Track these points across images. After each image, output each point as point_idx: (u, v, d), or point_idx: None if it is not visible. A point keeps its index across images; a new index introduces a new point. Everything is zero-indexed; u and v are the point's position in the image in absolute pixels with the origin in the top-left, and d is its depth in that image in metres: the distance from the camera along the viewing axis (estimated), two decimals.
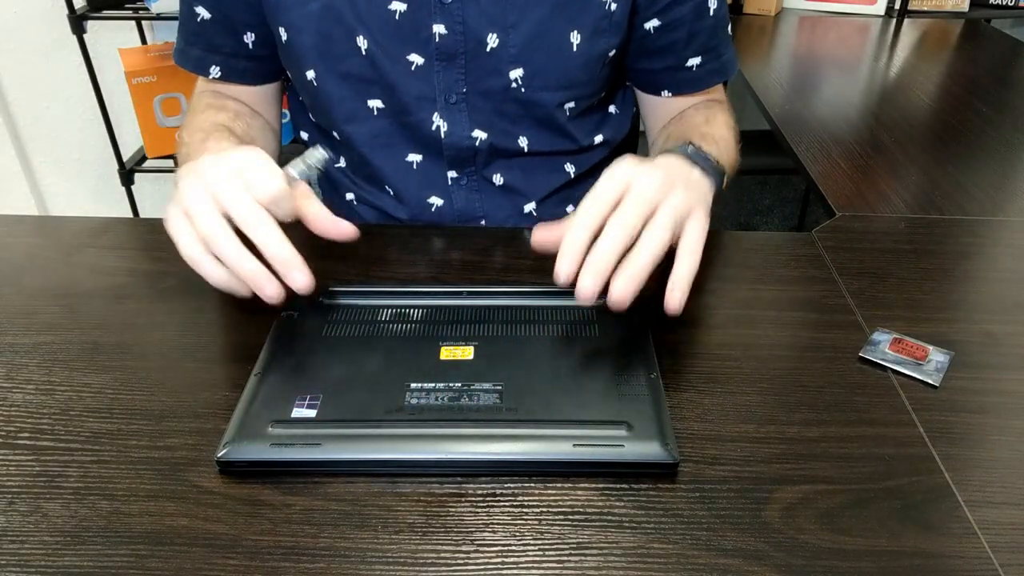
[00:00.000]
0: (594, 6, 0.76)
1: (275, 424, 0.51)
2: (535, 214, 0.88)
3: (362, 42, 0.75)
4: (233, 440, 0.50)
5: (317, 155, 0.62)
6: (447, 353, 0.58)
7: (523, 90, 0.78)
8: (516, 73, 0.77)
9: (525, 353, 0.58)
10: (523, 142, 0.82)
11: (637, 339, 0.60)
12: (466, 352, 0.58)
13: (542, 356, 0.58)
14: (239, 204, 0.54)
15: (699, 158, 0.65)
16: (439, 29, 0.75)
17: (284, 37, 0.78)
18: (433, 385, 0.55)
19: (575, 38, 0.76)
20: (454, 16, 0.74)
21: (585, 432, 0.51)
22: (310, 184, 0.61)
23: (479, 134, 0.81)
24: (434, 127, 0.80)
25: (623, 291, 0.53)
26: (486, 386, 0.55)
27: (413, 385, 0.55)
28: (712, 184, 0.65)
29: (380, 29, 0.75)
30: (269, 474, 0.50)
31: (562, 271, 0.54)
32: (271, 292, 0.53)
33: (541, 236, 0.58)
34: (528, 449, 0.50)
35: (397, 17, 0.74)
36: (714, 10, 0.80)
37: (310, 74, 0.79)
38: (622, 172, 0.57)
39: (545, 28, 0.75)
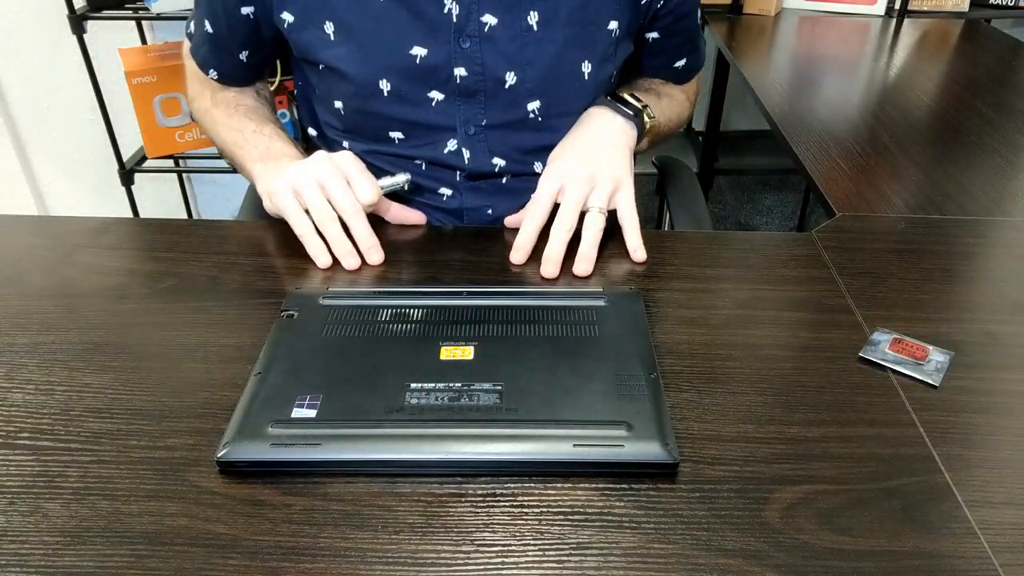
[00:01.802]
0: (601, 36, 0.79)
1: (275, 424, 0.51)
2: None
3: (384, 85, 0.78)
4: (233, 440, 0.50)
5: (404, 178, 0.81)
6: (447, 353, 0.58)
7: (540, 119, 0.81)
8: (533, 105, 0.80)
9: (525, 353, 0.58)
10: (537, 167, 0.86)
11: (637, 339, 0.60)
12: (466, 352, 0.58)
13: (542, 356, 0.58)
14: (344, 199, 0.71)
15: (615, 106, 0.81)
16: (460, 72, 0.77)
17: (321, 67, 0.80)
18: (433, 385, 0.55)
19: (586, 67, 0.80)
20: (473, 59, 0.77)
21: (585, 432, 0.51)
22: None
23: (498, 161, 0.84)
24: (450, 152, 0.83)
25: (583, 271, 0.71)
26: (486, 386, 0.54)
27: (413, 385, 0.55)
28: (632, 125, 0.81)
29: (401, 74, 0.77)
30: (269, 474, 0.50)
31: (515, 259, 0.73)
32: (353, 263, 0.71)
33: (510, 220, 0.80)
34: (528, 449, 0.50)
35: (418, 61, 0.76)
36: (699, 13, 0.87)
37: (337, 103, 0.82)
38: (554, 179, 0.74)
39: (559, 61, 0.78)
